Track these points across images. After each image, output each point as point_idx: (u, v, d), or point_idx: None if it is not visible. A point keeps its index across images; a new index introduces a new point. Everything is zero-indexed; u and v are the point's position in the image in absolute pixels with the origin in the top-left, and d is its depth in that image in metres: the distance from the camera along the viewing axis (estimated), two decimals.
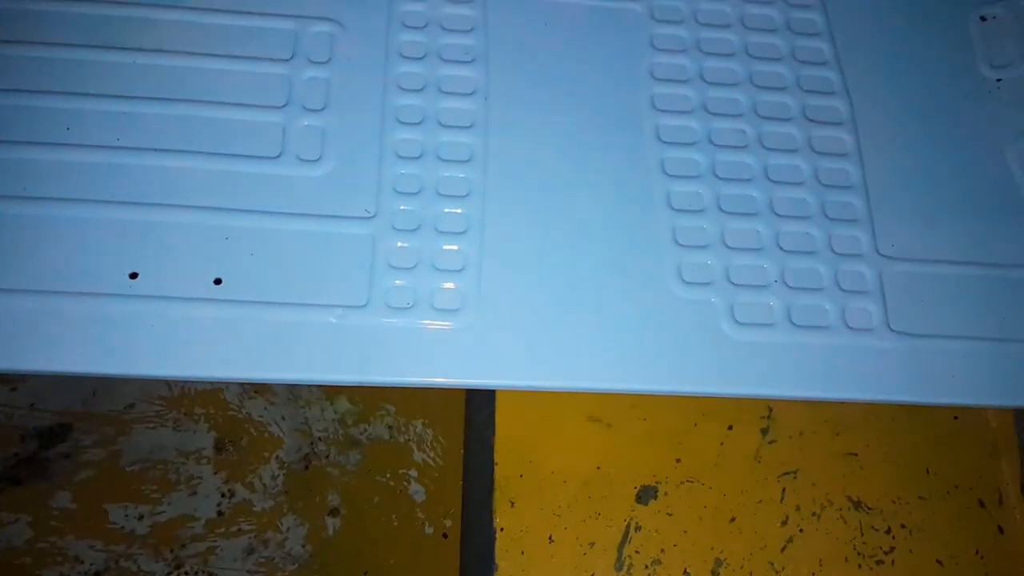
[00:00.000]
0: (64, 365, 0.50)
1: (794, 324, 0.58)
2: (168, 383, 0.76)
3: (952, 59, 0.69)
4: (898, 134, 0.65)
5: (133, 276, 0.52)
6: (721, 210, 0.61)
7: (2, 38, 0.57)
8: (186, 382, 0.76)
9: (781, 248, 0.60)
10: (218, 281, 0.53)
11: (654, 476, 0.62)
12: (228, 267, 0.53)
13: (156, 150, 0.56)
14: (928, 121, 0.66)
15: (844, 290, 0.59)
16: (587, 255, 0.58)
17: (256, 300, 0.53)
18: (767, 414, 0.64)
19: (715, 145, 0.63)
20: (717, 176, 0.62)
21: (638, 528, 0.60)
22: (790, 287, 0.59)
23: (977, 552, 0.62)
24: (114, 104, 0.57)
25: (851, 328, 0.58)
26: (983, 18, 0.70)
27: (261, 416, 0.77)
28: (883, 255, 0.61)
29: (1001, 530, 0.63)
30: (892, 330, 0.58)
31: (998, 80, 0.68)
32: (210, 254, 0.54)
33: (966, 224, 0.63)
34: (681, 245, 0.59)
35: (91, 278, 0.52)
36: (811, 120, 0.64)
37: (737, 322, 0.57)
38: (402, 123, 0.59)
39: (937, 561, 0.62)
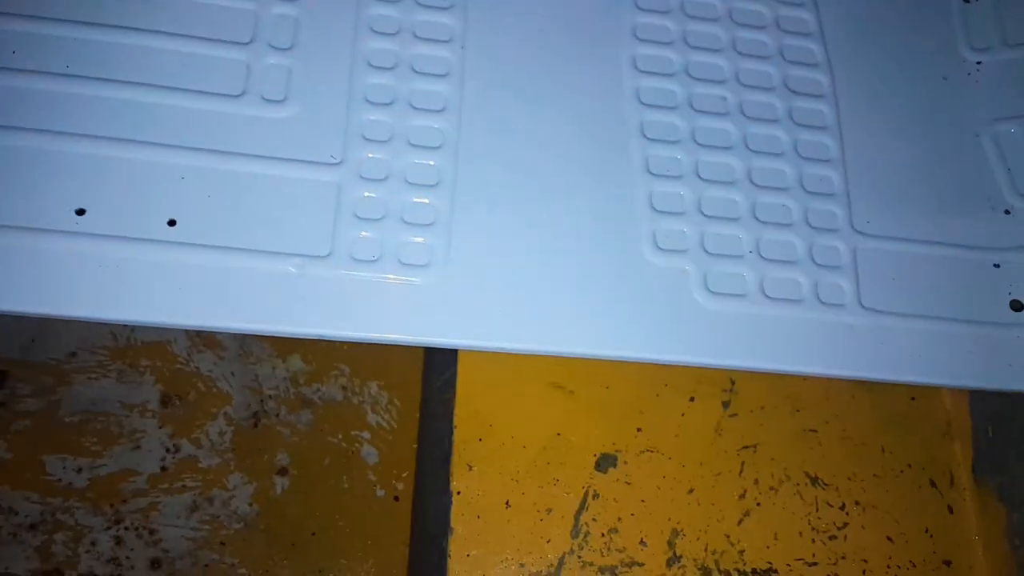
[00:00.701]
0: (3, 303, 0.46)
1: (767, 296, 0.57)
2: (113, 332, 0.72)
3: (935, 39, 0.68)
4: (878, 111, 0.65)
5: (80, 212, 0.49)
6: (699, 177, 0.60)
7: None
8: (132, 332, 0.72)
9: (757, 219, 0.59)
10: (172, 223, 0.50)
11: (614, 444, 0.61)
12: (183, 208, 0.50)
13: (109, 80, 0.52)
14: (908, 99, 0.66)
15: (818, 264, 0.59)
16: (562, 216, 0.56)
17: (212, 244, 0.50)
18: (729, 387, 0.64)
19: (696, 111, 0.61)
20: (697, 142, 0.60)
21: (596, 496, 0.59)
22: (764, 259, 0.58)
23: (927, 531, 0.63)
24: (65, 29, 0.53)
25: (823, 303, 0.58)
26: (966, 0, 0.70)
27: (210, 371, 0.75)
28: (858, 231, 0.61)
29: (951, 510, 0.64)
30: (863, 306, 0.58)
31: (978, 63, 0.68)
32: (164, 194, 0.51)
33: (940, 205, 0.63)
34: (657, 211, 0.58)
35: (34, 212, 0.48)
36: (793, 91, 0.64)
37: (710, 291, 0.57)
38: (373, 67, 0.56)
39: (888, 538, 0.63)
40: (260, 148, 0.53)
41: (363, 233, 0.52)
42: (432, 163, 0.55)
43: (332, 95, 0.55)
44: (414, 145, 0.55)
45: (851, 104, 0.64)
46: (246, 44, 0.55)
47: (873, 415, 0.66)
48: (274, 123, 0.54)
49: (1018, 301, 0.61)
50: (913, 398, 0.67)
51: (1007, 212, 0.63)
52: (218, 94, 0.54)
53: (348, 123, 0.55)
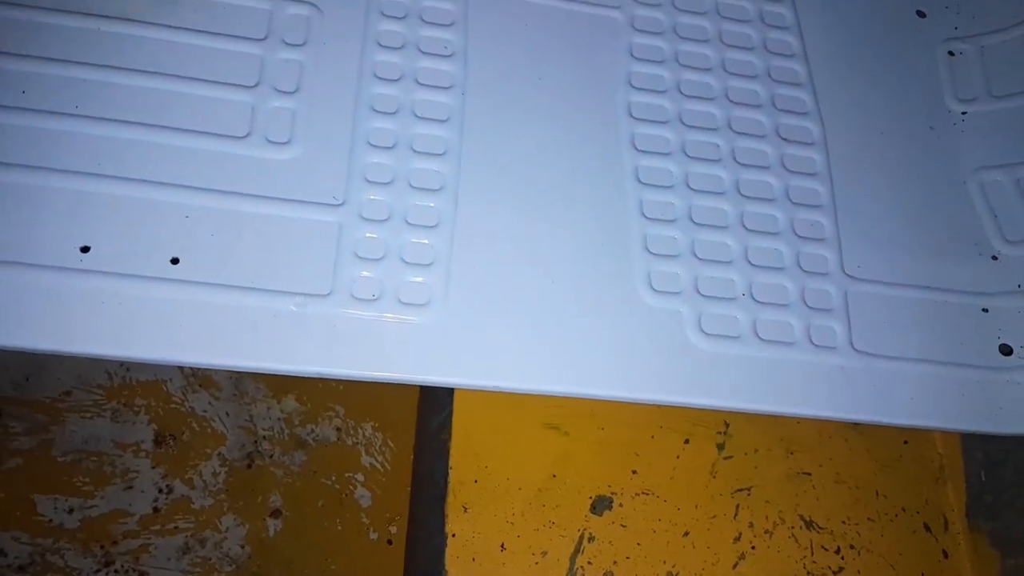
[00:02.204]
0: (3, 339, 0.47)
1: (760, 338, 0.58)
2: (108, 371, 0.72)
3: (921, 90, 0.70)
4: (867, 158, 0.66)
5: (84, 250, 0.50)
6: (693, 221, 0.61)
7: None
8: (127, 371, 0.72)
9: (750, 262, 0.60)
10: (175, 261, 0.51)
11: (609, 486, 0.61)
12: (186, 247, 0.51)
13: (116, 121, 0.53)
14: (896, 148, 0.68)
15: (810, 307, 0.60)
16: (559, 258, 0.57)
17: (214, 282, 0.50)
18: (724, 429, 0.64)
19: (689, 157, 0.63)
20: (690, 187, 0.62)
21: (591, 539, 0.59)
22: (757, 301, 0.59)
23: (923, 575, 0.63)
24: (74, 70, 0.54)
25: (815, 345, 0.59)
26: (951, 53, 0.72)
27: (205, 411, 0.75)
28: (849, 275, 0.62)
29: (945, 554, 0.64)
30: (855, 349, 0.59)
31: (963, 113, 0.70)
32: (168, 232, 0.51)
33: (929, 250, 0.64)
34: (652, 253, 0.59)
35: (39, 249, 0.49)
36: (784, 139, 0.65)
37: (704, 332, 0.57)
38: (376, 112, 0.58)
39: None
40: (264, 188, 0.54)
41: (363, 272, 0.53)
42: (432, 205, 0.56)
43: (335, 138, 0.57)
44: (415, 187, 0.56)
45: (841, 152, 0.66)
46: (252, 87, 0.57)
47: (867, 458, 0.66)
48: (278, 164, 0.55)
49: (1007, 345, 0.61)
50: (906, 441, 0.67)
51: (994, 258, 0.65)
52: (223, 135, 0.55)
53: (351, 165, 0.56)
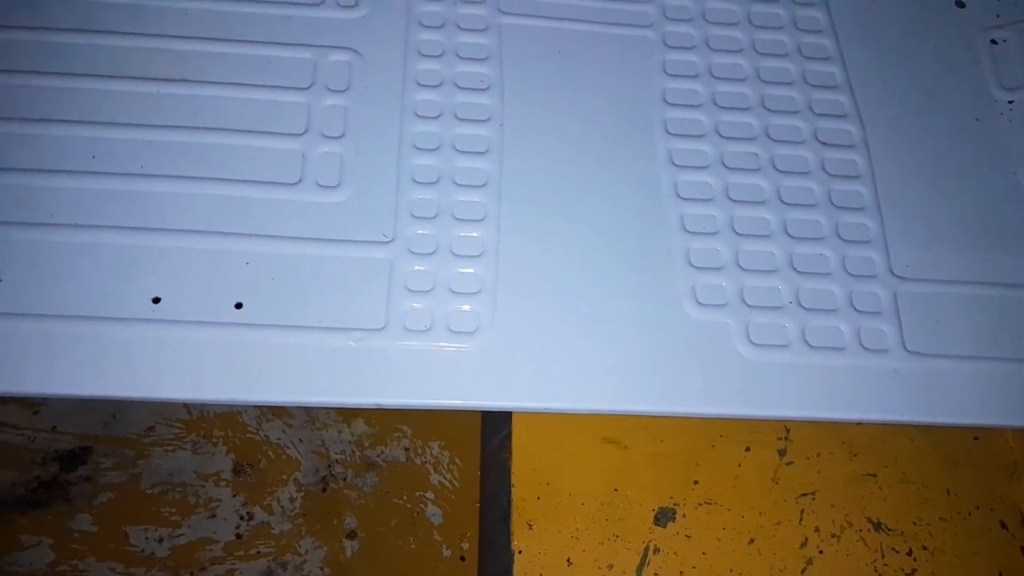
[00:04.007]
0: (88, 389, 0.51)
1: (809, 345, 0.58)
2: (187, 406, 0.76)
3: (964, 82, 0.69)
4: (911, 156, 0.66)
5: (156, 301, 0.53)
6: (735, 232, 0.61)
7: (30, 69, 0.59)
8: (204, 405, 0.76)
9: (795, 269, 0.60)
10: (239, 305, 0.54)
11: (671, 498, 0.61)
12: (249, 291, 0.54)
13: (178, 177, 0.57)
14: (941, 143, 0.67)
15: (858, 311, 0.59)
16: (602, 277, 0.59)
17: (276, 324, 0.53)
18: (784, 435, 0.64)
19: (728, 168, 0.63)
20: (730, 199, 0.62)
21: (656, 550, 0.60)
22: (804, 308, 0.59)
23: (1000, 574, 0.62)
24: (138, 132, 0.58)
25: (866, 348, 0.58)
26: (993, 41, 0.71)
27: (279, 439, 0.78)
28: (897, 275, 0.61)
29: (1023, 551, 0.62)
30: (907, 350, 0.58)
31: (1010, 102, 0.68)
32: (231, 279, 0.55)
33: (979, 244, 0.63)
34: (695, 267, 0.60)
35: (115, 303, 0.53)
36: (823, 143, 0.65)
37: (752, 343, 0.58)
38: (419, 149, 0.60)
39: None
40: (317, 231, 0.57)
41: (414, 304, 0.55)
42: (476, 235, 0.58)
43: (382, 177, 0.59)
44: (459, 219, 0.59)
45: (883, 152, 0.65)
46: (301, 135, 0.60)
47: (934, 457, 0.65)
48: (329, 207, 0.58)
49: None
50: (976, 438, 0.66)
51: None
52: (277, 183, 0.58)
53: (397, 202, 0.58)
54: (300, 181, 0.58)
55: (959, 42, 0.71)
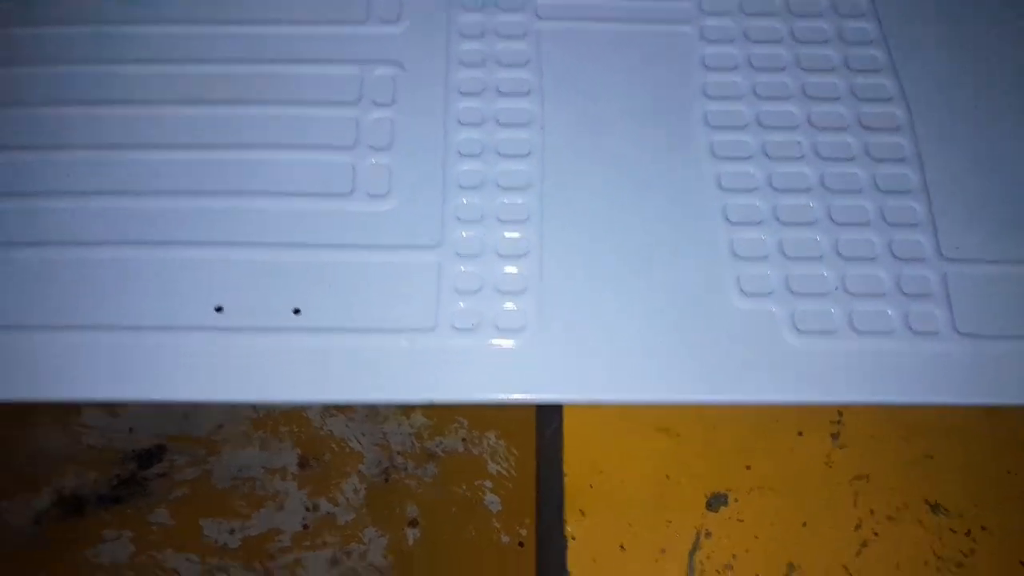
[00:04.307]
0: (160, 394, 0.54)
1: (856, 330, 0.58)
2: (254, 406, 0.79)
3: (1013, 57, 0.67)
4: (958, 136, 0.64)
5: (219, 309, 0.56)
6: (778, 221, 0.61)
7: (97, 99, 0.62)
8: (270, 405, 0.78)
9: (840, 256, 0.60)
10: (297, 311, 0.57)
11: (724, 484, 0.62)
12: (306, 297, 0.57)
13: (237, 192, 0.60)
14: (989, 120, 0.65)
15: (907, 294, 0.59)
16: (645, 271, 0.59)
17: (333, 327, 0.56)
18: (837, 419, 0.64)
19: (770, 158, 0.63)
20: (773, 188, 0.62)
21: (708, 535, 0.60)
22: (851, 293, 0.59)
23: None
24: (198, 153, 0.61)
25: (915, 332, 0.58)
26: None
27: (342, 433, 0.80)
28: (947, 258, 0.60)
29: None
30: (959, 332, 0.58)
31: None
32: (289, 286, 0.57)
33: None
34: (739, 257, 0.60)
35: (181, 313, 0.56)
36: (867, 128, 0.64)
37: (799, 331, 0.58)
38: (463, 155, 0.62)
39: (1020, 562, 0.60)
40: (369, 238, 0.59)
41: (462, 304, 0.57)
42: (519, 235, 0.60)
43: (428, 184, 0.61)
44: (503, 221, 0.60)
45: (930, 133, 0.64)
46: (350, 148, 0.62)
47: (993, 437, 0.64)
48: (379, 215, 0.60)
49: None
50: None
51: None
52: (331, 194, 0.60)
53: (444, 208, 0.60)
54: (352, 192, 0.60)
55: (1008, 18, 0.69)
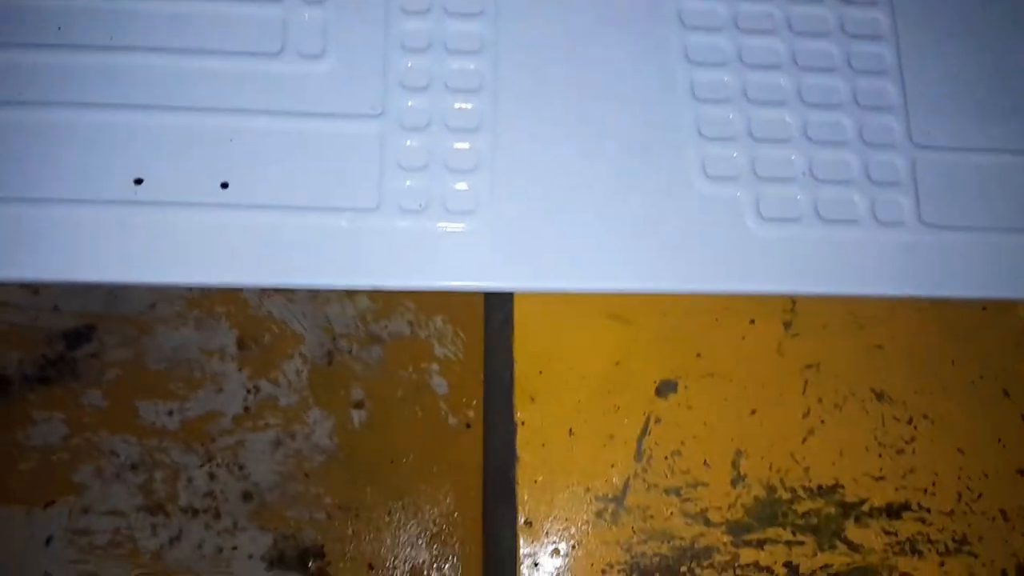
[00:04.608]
0: (77, 274, 0.50)
1: (821, 218, 0.56)
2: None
3: None
4: (937, 15, 0.61)
5: (138, 182, 0.51)
6: (747, 99, 0.58)
7: None
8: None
9: (809, 138, 0.57)
10: (225, 185, 0.52)
11: (674, 371, 0.61)
12: (234, 170, 0.52)
13: (151, 49, 0.53)
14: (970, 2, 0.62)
15: (874, 181, 0.57)
16: (605, 151, 0.56)
17: (265, 204, 0.52)
18: (791, 307, 0.63)
19: (740, 29, 0.59)
20: (743, 62, 0.58)
21: (658, 421, 0.60)
22: (818, 179, 0.57)
23: (999, 441, 0.62)
24: (104, 2, 0.54)
25: (880, 221, 0.56)
26: None
27: (282, 314, 0.77)
28: (917, 144, 0.58)
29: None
30: (923, 223, 0.56)
31: None
32: (215, 157, 0.52)
33: (1007, 109, 0.59)
34: (705, 137, 0.57)
35: (96, 184, 0.51)
36: (843, 1, 0.60)
37: (762, 217, 0.56)
38: (408, 12, 0.56)
39: (958, 450, 0.62)
40: (302, 104, 0.54)
41: (407, 182, 0.53)
42: (471, 106, 0.55)
43: (368, 44, 0.55)
44: (452, 89, 0.55)
45: (907, 10, 0.60)
46: (280, 0, 0.56)
47: (942, 328, 0.64)
48: (314, 78, 0.54)
49: None
50: (984, 308, 0.65)
51: None
52: (258, 53, 0.54)
53: (386, 72, 0.55)
54: (282, 51, 0.54)
55: None
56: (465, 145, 0.54)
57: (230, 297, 0.79)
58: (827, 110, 0.58)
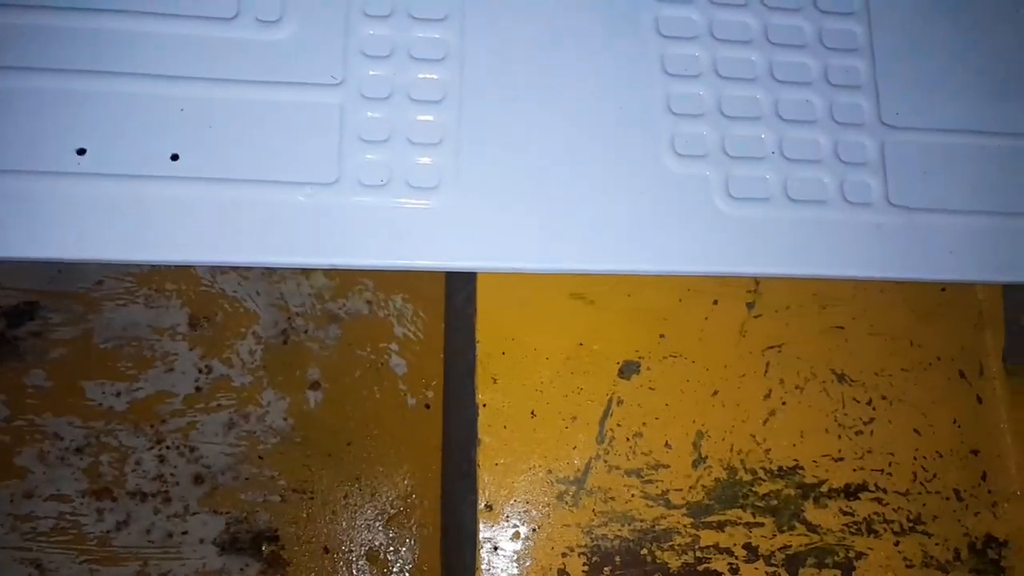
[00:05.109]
0: (17, 250, 0.46)
1: (790, 198, 0.55)
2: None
3: None
4: None
5: (81, 152, 0.48)
6: (718, 75, 0.57)
7: None
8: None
9: (780, 117, 0.57)
10: (175, 157, 0.49)
11: (637, 351, 0.61)
12: (185, 141, 0.49)
13: (95, 10, 0.50)
14: None
15: (844, 162, 0.56)
16: (574, 126, 0.54)
17: (217, 177, 0.49)
18: (753, 288, 0.63)
19: (713, 3, 0.58)
20: (715, 38, 0.57)
21: (620, 402, 0.60)
22: (788, 159, 0.56)
23: (955, 422, 0.63)
24: None
25: (849, 202, 0.56)
26: None
27: (235, 292, 0.75)
28: (886, 124, 0.58)
29: (979, 400, 0.64)
30: (891, 204, 0.56)
31: None
32: (165, 127, 0.49)
33: (976, 91, 0.59)
34: (675, 114, 0.56)
35: (36, 155, 0.48)
36: None
37: (731, 196, 0.55)
38: None
39: (915, 431, 0.63)
40: (258, 73, 0.51)
41: (368, 156, 0.51)
42: (436, 77, 0.53)
43: (328, 10, 0.53)
44: (416, 59, 0.53)
45: None
46: None
47: (903, 309, 0.64)
48: (270, 45, 0.52)
49: None
50: (943, 289, 0.65)
51: None
52: (211, 18, 0.51)
53: (347, 40, 0.52)
54: (237, 15, 0.51)
55: None
56: (429, 117, 0.52)
57: (181, 274, 0.76)
58: (798, 88, 0.58)
